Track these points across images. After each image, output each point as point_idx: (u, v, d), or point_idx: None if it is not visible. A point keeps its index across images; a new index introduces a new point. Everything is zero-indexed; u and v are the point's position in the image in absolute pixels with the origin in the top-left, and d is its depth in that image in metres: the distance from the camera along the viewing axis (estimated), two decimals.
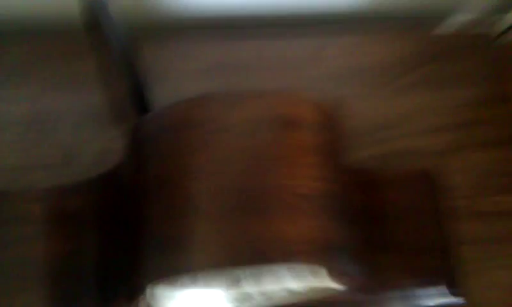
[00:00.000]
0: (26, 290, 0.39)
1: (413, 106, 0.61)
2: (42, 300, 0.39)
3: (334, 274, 0.35)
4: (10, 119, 0.56)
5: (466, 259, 0.52)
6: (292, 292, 0.41)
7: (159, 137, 0.37)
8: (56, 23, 0.64)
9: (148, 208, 0.36)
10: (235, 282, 0.35)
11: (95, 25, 0.41)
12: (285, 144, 0.36)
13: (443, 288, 0.50)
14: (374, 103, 0.61)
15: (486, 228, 0.56)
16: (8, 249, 0.40)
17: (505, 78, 0.63)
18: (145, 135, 0.38)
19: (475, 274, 0.53)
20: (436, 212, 0.52)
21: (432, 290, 0.50)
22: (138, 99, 0.47)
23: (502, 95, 0.62)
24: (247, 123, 0.35)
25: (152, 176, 0.36)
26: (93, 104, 0.57)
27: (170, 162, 0.35)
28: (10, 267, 0.39)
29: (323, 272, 0.35)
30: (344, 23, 0.69)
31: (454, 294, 0.50)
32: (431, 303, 0.51)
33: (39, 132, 0.56)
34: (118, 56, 0.41)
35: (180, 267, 0.33)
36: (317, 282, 0.36)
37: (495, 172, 0.58)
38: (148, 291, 0.35)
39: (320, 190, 0.36)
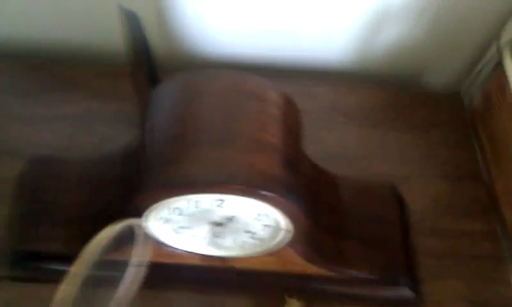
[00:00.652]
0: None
1: (385, 140, 0.71)
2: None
3: (281, 203, 0.44)
4: (64, 114, 0.70)
5: (423, 267, 0.59)
6: (257, 237, 0.49)
7: (167, 97, 0.49)
8: (93, 51, 0.79)
9: (156, 145, 0.46)
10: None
11: (138, 64, 0.55)
12: (252, 108, 0.47)
13: (400, 279, 0.57)
14: (353, 133, 0.72)
15: (443, 244, 0.63)
16: None
17: (466, 126, 0.75)
18: (159, 96, 0.49)
19: (429, 281, 0.59)
20: (399, 222, 0.60)
21: (389, 279, 0.57)
22: None
23: (462, 140, 0.73)
24: (222, 90, 0.47)
25: (161, 122, 0.47)
26: (121, 111, 0.69)
27: (173, 113, 0.47)
28: None
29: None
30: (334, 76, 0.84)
31: (410, 288, 0.57)
32: (387, 293, 0.58)
33: (82, 125, 0.69)
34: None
35: (176, 178, 0.43)
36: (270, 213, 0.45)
37: (452, 199, 0.67)
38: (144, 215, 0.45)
39: (280, 149, 0.45)
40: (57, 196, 0.57)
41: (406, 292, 0.57)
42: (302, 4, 0.71)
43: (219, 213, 0.46)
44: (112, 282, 0.50)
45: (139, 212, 0.45)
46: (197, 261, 0.54)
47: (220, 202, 0.44)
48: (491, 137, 0.73)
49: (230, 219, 0.47)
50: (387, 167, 0.68)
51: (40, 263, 0.56)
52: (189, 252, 0.53)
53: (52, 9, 0.72)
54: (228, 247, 0.52)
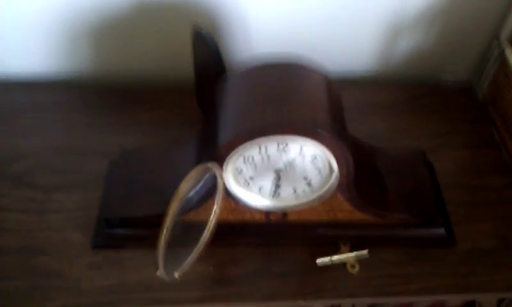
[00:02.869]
0: None
1: (409, 123, 0.83)
2: None
3: (333, 143, 0.55)
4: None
5: (454, 215, 0.70)
6: (312, 183, 0.59)
7: (232, 82, 0.62)
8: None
9: (228, 110, 0.59)
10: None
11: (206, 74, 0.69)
12: (302, 82, 0.60)
13: (435, 220, 0.67)
14: (382, 120, 0.84)
15: (470, 196, 0.73)
16: None
17: (479, 108, 0.86)
18: (225, 83, 0.63)
19: (460, 225, 0.68)
20: (429, 179, 0.71)
21: (426, 221, 0.67)
22: None
23: (477, 119, 0.84)
24: (278, 72, 0.60)
25: (230, 97, 0.60)
26: (186, 117, 0.83)
27: (239, 89, 0.60)
28: None
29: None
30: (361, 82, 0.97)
31: (444, 227, 0.67)
32: (425, 233, 0.67)
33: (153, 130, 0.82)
34: None
35: (249, 124, 0.55)
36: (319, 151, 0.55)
37: (474, 163, 0.78)
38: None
39: (328, 108, 0.58)
40: (142, 174, 0.69)
41: (441, 231, 0.67)
42: (327, 22, 0.85)
43: (283, 159, 0.58)
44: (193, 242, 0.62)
45: (219, 163, 0.57)
46: (261, 217, 0.65)
47: (285, 146, 0.56)
48: (502, 115, 0.84)
49: (291, 164, 0.58)
50: (414, 142, 0.79)
51: (129, 229, 0.67)
52: (256, 207, 0.64)
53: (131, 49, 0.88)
54: (287, 198, 0.63)
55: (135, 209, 0.67)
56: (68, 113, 0.84)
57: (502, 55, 0.84)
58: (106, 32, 0.84)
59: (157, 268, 0.50)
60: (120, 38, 0.86)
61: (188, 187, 0.51)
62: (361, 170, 0.65)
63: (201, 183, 0.59)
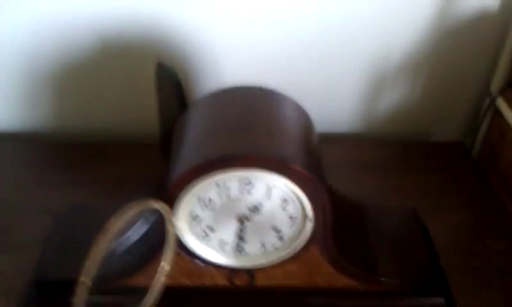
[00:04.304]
0: None
1: (398, 183, 0.75)
2: None
3: (304, 178, 0.46)
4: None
5: (455, 283, 0.58)
6: (283, 236, 0.50)
7: (195, 110, 0.54)
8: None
9: (185, 142, 0.50)
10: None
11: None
12: (270, 107, 0.52)
13: (433, 288, 0.55)
14: (368, 180, 0.75)
15: (470, 261, 0.62)
16: None
17: (473, 169, 0.78)
18: (188, 113, 0.55)
19: (463, 294, 0.57)
20: (424, 241, 0.60)
21: (422, 289, 0.55)
22: None
23: (473, 181, 0.76)
24: (244, 95, 0.53)
25: (190, 128, 0.52)
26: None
27: (199, 117, 0.52)
28: None
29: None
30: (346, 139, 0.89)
31: (444, 297, 0.55)
32: (420, 303, 0.55)
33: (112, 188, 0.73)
34: None
35: (196, 159, 0.46)
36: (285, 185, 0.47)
37: (473, 226, 0.68)
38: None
39: (299, 137, 0.50)
40: (89, 233, 0.59)
41: (440, 301, 0.55)
42: (308, 74, 0.80)
43: (247, 202, 0.48)
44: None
45: (170, 205, 0.48)
46: (223, 281, 0.54)
47: (249, 186, 0.47)
48: (502, 178, 0.76)
49: (257, 209, 0.49)
50: (404, 203, 0.69)
51: (64, 296, 0.55)
52: (215, 265, 0.53)
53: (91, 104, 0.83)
54: (255, 255, 0.52)
55: (73, 272, 0.56)
56: (19, 169, 0.76)
57: (495, 110, 0.79)
58: (67, 81, 0.79)
59: None
60: (82, 87, 0.80)
61: (119, 223, 0.41)
62: (343, 226, 0.55)
63: (146, 235, 0.49)
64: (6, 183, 0.74)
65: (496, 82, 0.79)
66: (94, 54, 0.77)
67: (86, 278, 0.38)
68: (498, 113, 0.78)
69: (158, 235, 0.50)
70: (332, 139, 0.85)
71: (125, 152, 0.79)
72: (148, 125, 0.75)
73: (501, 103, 0.77)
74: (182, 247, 0.51)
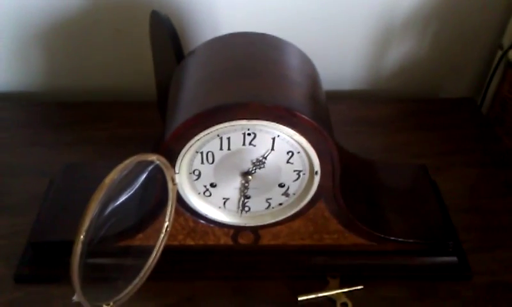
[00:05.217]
0: None
1: (406, 141, 0.72)
2: None
3: (311, 127, 0.43)
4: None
5: (467, 241, 0.56)
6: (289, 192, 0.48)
7: (193, 58, 0.51)
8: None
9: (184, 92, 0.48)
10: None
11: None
12: (274, 55, 0.49)
13: (445, 245, 0.53)
14: (376, 138, 0.72)
15: (481, 219, 0.60)
16: None
17: (483, 125, 0.75)
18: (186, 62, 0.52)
19: (475, 252, 0.55)
20: (434, 198, 0.58)
21: (433, 247, 0.53)
22: None
23: (482, 137, 0.73)
24: (247, 42, 0.50)
25: (188, 75, 0.49)
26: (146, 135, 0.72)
27: (199, 64, 0.49)
28: None
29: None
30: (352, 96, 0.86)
31: (457, 255, 0.54)
32: (432, 262, 0.54)
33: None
34: None
35: (196, 110, 0.43)
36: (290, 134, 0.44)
37: (482, 183, 0.66)
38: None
39: (303, 85, 0.47)
40: (85, 193, 0.57)
41: (452, 260, 0.53)
42: (312, 30, 0.76)
43: (251, 156, 0.46)
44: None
45: (172, 156, 0.45)
46: (226, 240, 0.52)
47: (252, 138, 0.44)
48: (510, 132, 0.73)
49: (261, 163, 0.46)
50: (415, 161, 0.67)
51: (61, 258, 0.53)
52: (218, 223, 0.51)
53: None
54: (260, 214, 0.50)
55: (69, 233, 0.53)
56: (13, 130, 0.73)
57: (506, 64, 0.75)
58: (58, 37, 0.75)
59: (75, 291, 0.37)
60: (73, 45, 0.76)
61: (116, 176, 0.38)
62: (352, 182, 0.53)
63: (146, 194, 0.47)
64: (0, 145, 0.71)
65: (509, 35, 0.75)
66: (85, 8, 0.73)
67: (82, 235, 0.36)
68: (510, 67, 0.74)
69: (157, 195, 0.47)
70: (338, 97, 0.82)
71: (121, 111, 0.76)
72: (144, 82, 0.72)
73: None
74: (183, 205, 0.49)
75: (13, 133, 0.73)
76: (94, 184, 0.59)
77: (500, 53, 0.77)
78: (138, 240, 0.51)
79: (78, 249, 0.36)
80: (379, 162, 0.60)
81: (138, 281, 0.46)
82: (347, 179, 0.51)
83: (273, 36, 0.51)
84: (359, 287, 0.52)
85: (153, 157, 0.42)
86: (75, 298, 0.37)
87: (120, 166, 0.38)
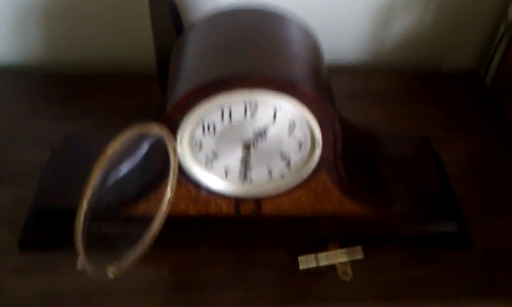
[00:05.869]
0: None
1: (409, 113, 0.72)
2: None
3: (313, 98, 0.44)
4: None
5: (464, 210, 0.57)
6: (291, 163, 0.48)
7: (194, 32, 0.51)
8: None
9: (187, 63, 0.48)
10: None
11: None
12: (277, 28, 0.49)
13: (445, 213, 0.54)
14: (378, 110, 0.72)
15: (483, 189, 0.61)
16: None
17: (487, 98, 0.75)
18: (186, 36, 0.52)
19: (476, 222, 0.56)
20: (436, 168, 0.59)
21: (434, 215, 0.54)
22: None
23: (485, 109, 0.73)
24: (249, 15, 0.50)
25: (190, 48, 0.49)
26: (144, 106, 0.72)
27: (201, 38, 0.49)
28: None
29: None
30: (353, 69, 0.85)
31: (457, 223, 0.54)
32: (432, 230, 0.54)
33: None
34: None
35: (197, 80, 0.43)
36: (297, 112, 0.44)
37: (484, 154, 0.66)
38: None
39: (306, 59, 0.47)
40: (87, 163, 0.58)
41: (453, 228, 0.54)
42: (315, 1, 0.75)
43: (253, 126, 0.46)
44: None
45: (174, 126, 0.45)
46: (230, 211, 0.53)
47: (254, 108, 0.44)
48: None
49: (264, 134, 0.46)
50: (417, 132, 0.67)
51: (64, 225, 0.53)
52: (220, 193, 0.51)
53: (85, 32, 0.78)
54: (261, 182, 0.51)
55: (70, 200, 0.54)
56: (11, 102, 0.73)
57: (511, 38, 0.74)
58: (56, 8, 0.74)
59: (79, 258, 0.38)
60: (72, 16, 0.75)
61: (118, 146, 0.38)
62: (353, 152, 0.53)
63: (148, 163, 0.47)
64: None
65: None
66: None
67: (85, 203, 0.36)
68: None
69: (159, 165, 0.48)
70: (340, 68, 0.82)
71: (121, 83, 0.76)
72: (144, 53, 0.71)
73: None
74: (185, 176, 0.50)
75: (11, 105, 0.73)
76: (96, 155, 0.59)
77: (504, 26, 0.76)
78: (141, 210, 0.51)
79: (81, 217, 0.36)
80: (381, 133, 0.60)
81: (141, 248, 0.47)
82: (349, 150, 0.51)
83: (275, 9, 0.51)
84: (359, 255, 0.53)
85: (156, 128, 0.43)
86: (79, 266, 0.38)
87: (122, 136, 0.39)
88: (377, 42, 0.81)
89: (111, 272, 0.42)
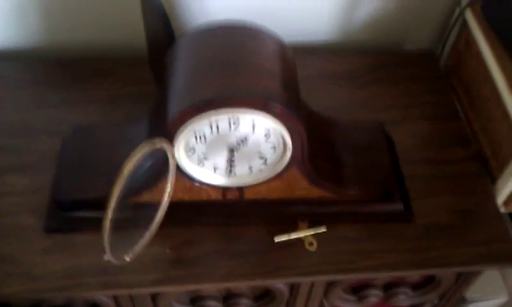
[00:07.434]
0: None
1: (370, 95, 0.82)
2: None
3: (283, 114, 0.54)
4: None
5: (413, 189, 0.69)
6: (267, 162, 0.59)
7: (181, 47, 0.60)
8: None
9: (177, 82, 0.57)
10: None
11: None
12: (253, 45, 0.58)
13: (392, 195, 0.66)
14: (342, 91, 0.82)
15: (428, 169, 0.72)
16: None
17: (441, 78, 0.85)
18: (174, 49, 0.60)
19: (418, 199, 0.68)
20: (388, 152, 0.70)
21: (383, 196, 0.66)
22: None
23: (439, 90, 0.83)
24: (229, 33, 0.59)
25: (179, 66, 0.58)
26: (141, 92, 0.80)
27: (187, 57, 0.58)
28: None
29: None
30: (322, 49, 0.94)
31: (402, 202, 0.67)
32: (382, 208, 0.67)
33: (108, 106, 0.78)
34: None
35: (189, 100, 0.53)
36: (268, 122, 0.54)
37: (434, 136, 0.77)
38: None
39: (278, 75, 0.56)
40: (95, 153, 0.67)
41: (399, 206, 0.66)
42: None
43: (235, 135, 0.56)
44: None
45: (170, 139, 0.55)
46: (218, 197, 0.64)
47: (236, 122, 0.54)
48: (465, 85, 0.83)
49: (245, 141, 0.57)
50: (374, 114, 0.78)
51: (82, 212, 0.64)
52: (211, 185, 0.62)
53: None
54: (243, 176, 0.62)
55: (87, 191, 0.64)
56: (16, 89, 0.79)
57: (463, 22, 0.83)
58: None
59: (105, 252, 0.49)
60: (71, 4, 0.80)
61: (132, 166, 0.48)
62: (317, 144, 0.64)
63: (151, 161, 0.57)
64: (6, 104, 0.77)
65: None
66: None
67: (110, 213, 0.47)
68: (466, 25, 0.83)
69: (161, 164, 0.58)
70: (308, 50, 0.90)
71: (120, 69, 0.82)
72: (144, 36, 0.75)
73: (469, 15, 0.81)
74: (182, 172, 0.60)
75: (17, 93, 0.79)
76: (103, 145, 0.69)
77: (458, 11, 0.84)
78: (144, 197, 0.61)
79: (107, 223, 0.47)
80: (342, 120, 0.71)
81: (149, 235, 0.58)
82: (314, 140, 0.62)
83: (252, 25, 0.59)
84: (322, 228, 0.65)
85: (159, 142, 0.52)
86: (106, 258, 0.49)
87: (135, 156, 0.48)
88: (348, 21, 0.89)
89: (128, 257, 0.53)
